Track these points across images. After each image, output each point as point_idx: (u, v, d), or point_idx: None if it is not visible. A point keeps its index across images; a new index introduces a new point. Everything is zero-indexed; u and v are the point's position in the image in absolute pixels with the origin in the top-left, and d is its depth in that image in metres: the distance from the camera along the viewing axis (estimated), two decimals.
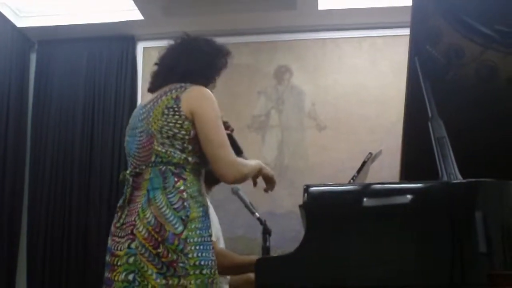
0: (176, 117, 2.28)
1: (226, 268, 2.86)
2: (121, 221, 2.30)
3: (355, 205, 2.23)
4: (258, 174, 2.51)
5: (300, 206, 2.31)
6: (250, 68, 5.45)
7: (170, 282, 2.13)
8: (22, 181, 5.44)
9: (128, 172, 2.38)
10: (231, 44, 5.20)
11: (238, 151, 2.60)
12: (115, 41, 5.56)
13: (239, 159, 2.36)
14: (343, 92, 5.30)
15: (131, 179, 2.33)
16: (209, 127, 2.30)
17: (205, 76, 2.52)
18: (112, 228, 2.34)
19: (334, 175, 4.88)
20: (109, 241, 2.33)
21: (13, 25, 5.28)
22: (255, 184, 2.58)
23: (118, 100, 5.43)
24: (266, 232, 3.13)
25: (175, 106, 2.30)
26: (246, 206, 3.21)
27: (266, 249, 3.08)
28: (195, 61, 2.50)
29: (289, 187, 4.91)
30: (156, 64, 2.60)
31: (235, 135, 2.59)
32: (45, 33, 5.49)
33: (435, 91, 2.64)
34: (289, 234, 4.42)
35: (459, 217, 2.12)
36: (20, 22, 5.34)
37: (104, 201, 5.17)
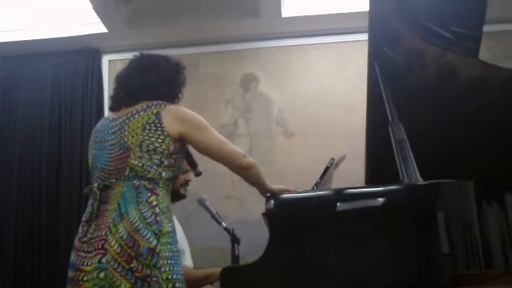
0: (159, 132, 2.32)
1: (187, 283, 2.86)
2: (88, 235, 2.28)
3: (317, 211, 2.23)
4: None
5: (263, 214, 2.31)
6: (217, 77, 5.44)
7: None
8: None
9: (95, 185, 2.37)
10: (196, 54, 5.32)
11: (193, 165, 2.67)
12: (80, 55, 5.53)
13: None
14: (310, 98, 5.32)
15: (98, 193, 2.33)
16: (207, 138, 2.40)
17: (171, 94, 2.57)
18: (77, 243, 2.33)
19: (302, 181, 4.84)
20: (72, 256, 2.31)
21: None
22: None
23: (85, 113, 5.39)
24: (235, 241, 3.14)
25: (156, 121, 2.34)
26: (213, 216, 3.22)
27: (235, 258, 3.10)
28: (157, 79, 2.53)
29: (258, 194, 4.83)
30: (115, 82, 2.61)
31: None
32: (8, 49, 5.44)
33: (397, 94, 2.65)
34: (260, 241, 4.30)
35: (422, 218, 2.13)
36: None
37: (74, 216, 5.10)
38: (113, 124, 2.43)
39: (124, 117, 2.41)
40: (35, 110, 5.44)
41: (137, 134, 2.32)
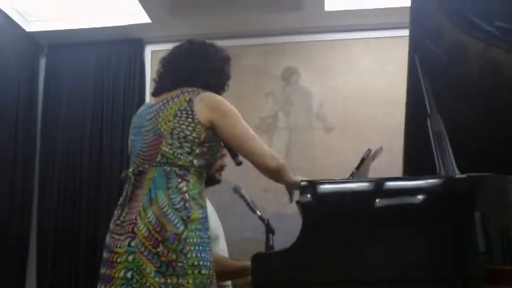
0: (190, 119, 2.30)
1: (221, 273, 2.85)
2: (121, 218, 2.30)
3: (352, 200, 2.23)
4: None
5: (297, 202, 2.30)
6: (258, 70, 5.45)
7: (169, 281, 2.13)
8: (32, 185, 5.46)
9: (130, 170, 2.39)
10: (238, 46, 5.33)
11: (234, 154, 2.63)
12: (123, 45, 5.58)
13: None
14: (351, 93, 5.30)
15: (133, 177, 2.35)
16: (235, 128, 2.35)
17: (218, 85, 2.56)
18: (111, 226, 2.35)
19: (342, 176, 4.83)
20: (107, 238, 2.34)
21: (22, 30, 5.31)
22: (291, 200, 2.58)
23: (127, 103, 5.45)
24: (270, 231, 3.13)
25: (188, 108, 2.32)
26: (248, 204, 3.21)
27: (269, 248, 3.08)
28: (208, 69, 2.52)
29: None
30: (160, 66, 2.59)
31: None
32: (54, 37, 5.53)
33: (437, 87, 2.62)
34: (297, 235, 4.38)
35: (459, 212, 2.10)
36: (29, 27, 5.36)
37: (113, 203, 5.15)
38: (151, 110, 2.44)
39: (161, 104, 2.41)
40: (78, 99, 5.53)
41: (169, 121, 2.33)
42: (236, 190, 3.26)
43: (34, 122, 5.55)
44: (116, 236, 2.28)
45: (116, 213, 2.36)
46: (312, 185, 2.27)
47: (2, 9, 5.00)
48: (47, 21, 5.35)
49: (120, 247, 2.23)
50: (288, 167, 2.45)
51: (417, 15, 2.73)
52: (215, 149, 2.41)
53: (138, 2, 4.89)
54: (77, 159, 5.43)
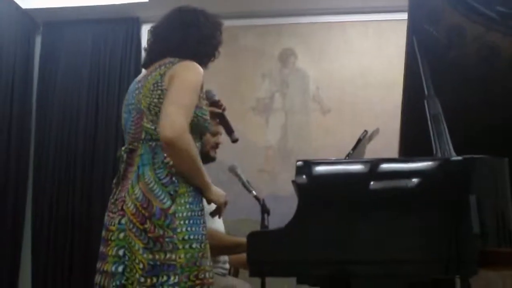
0: (159, 92, 2.24)
1: (214, 248, 2.86)
2: (115, 197, 2.30)
3: (348, 180, 2.23)
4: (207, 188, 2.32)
5: (292, 182, 2.30)
6: (255, 50, 5.43)
7: (157, 256, 2.11)
8: (26, 164, 5.48)
9: (123, 149, 2.36)
10: (236, 26, 5.31)
11: (230, 130, 2.63)
12: (120, 23, 5.56)
13: (188, 135, 2.16)
14: (348, 76, 5.30)
15: (125, 156, 2.32)
16: (175, 87, 2.20)
17: (209, 53, 2.49)
18: (108, 204, 2.33)
19: (337, 157, 4.86)
20: (105, 217, 2.32)
21: (18, 7, 5.28)
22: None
23: (122, 82, 5.41)
24: (265, 211, 3.14)
25: (159, 81, 2.26)
26: (243, 184, 3.21)
27: (264, 228, 3.08)
28: (197, 37, 2.44)
29: (292, 170, 4.82)
30: (150, 36, 2.52)
31: (229, 115, 2.59)
32: (50, 15, 5.50)
33: (435, 70, 2.62)
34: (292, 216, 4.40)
35: (454, 194, 2.11)
36: (25, 4, 5.33)
37: (108, 180, 5.15)
38: (137, 86, 2.38)
39: (144, 79, 2.35)
40: (74, 77, 5.50)
41: (147, 97, 2.27)
42: (232, 169, 3.26)
43: (29, 100, 5.54)
44: (111, 214, 2.26)
45: (112, 192, 2.35)
46: (309, 165, 2.26)
47: None
48: None
49: (113, 225, 2.22)
50: (197, 158, 2.24)
51: None
52: (198, 119, 2.28)
53: None
54: (72, 137, 5.43)
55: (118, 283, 2.14)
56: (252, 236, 2.27)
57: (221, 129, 3.06)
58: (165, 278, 2.10)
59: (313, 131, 5.26)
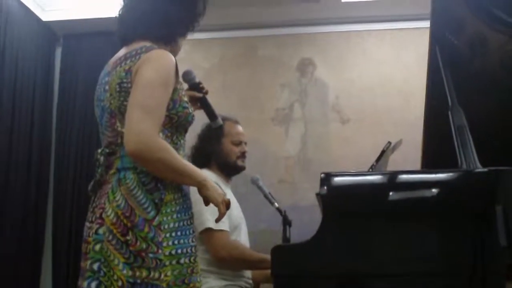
0: (124, 94, 1.99)
1: (242, 263, 2.83)
2: (94, 204, 2.05)
3: (372, 193, 2.21)
4: (197, 185, 2.06)
5: (317, 194, 2.28)
6: (274, 60, 5.41)
7: (138, 274, 1.87)
8: (47, 174, 5.49)
9: (99, 151, 2.08)
10: (255, 36, 5.31)
11: (213, 116, 2.41)
12: None
13: (159, 139, 1.92)
14: (367, 85, 5.27)
15: (102, 158, 2.04)
16: (138, 87, 1.94)
17: (185, 20, 2.22)
18: (88, 214, 2.08)
19: (357, 168, 4.83)
20: (84, 228, 2.07)
21: (38, 19, 5.31)
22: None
23: None
24: (286, 222, 3.13)
25: (125, 80, 1.99)
26: (265, 196, 3.20)
27: (286, 240, 3.08)
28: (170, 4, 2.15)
29: (312, 181, 4.83)
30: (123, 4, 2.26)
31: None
32: (70, 27, 5.53)
33: (458, 80, 2.60)
34: (312, 227, 4.33)
35: (480, 206, 2.09)
36: (45, 16, 5.36)
37: None
38: (106, 79, 2.09)
39: (111, 70, 2.07)
40: (94, 88, 5.47)
41: (114, 98, 2.01)
42: (254, 181, 3.26)
43: (49, 111, 5.57)
44: (88, 224, 2.02)
45: (91, 199, 2.11)
46: (333, 177, 2.24)
47: None
48: (64, 10, 5.35)
49: (90, 236, 1.96)
50: (175, 161, 1.96)
51: (438, 6, 2.70)
52: (179, 116, 2.04)
53: None
54: (92, 147, 5.39)
55: None
56: (277, 249, 2.24)
57: (244, 137, 3.05)
58: None
59: (332, 141, 5.23)
